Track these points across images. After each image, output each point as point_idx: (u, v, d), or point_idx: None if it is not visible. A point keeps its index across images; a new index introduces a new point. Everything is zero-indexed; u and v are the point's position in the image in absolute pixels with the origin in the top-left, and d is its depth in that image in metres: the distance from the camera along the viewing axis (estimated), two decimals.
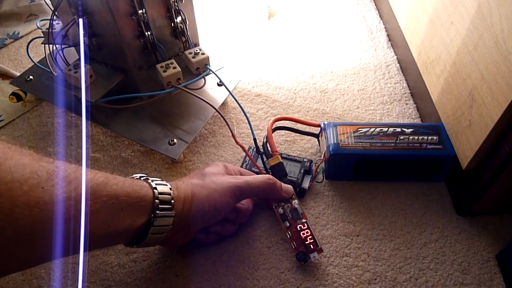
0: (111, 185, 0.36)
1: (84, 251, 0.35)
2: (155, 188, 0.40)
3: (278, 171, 0.52)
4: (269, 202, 0.50)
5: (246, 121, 0.62)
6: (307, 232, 0.46)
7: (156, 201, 0.39)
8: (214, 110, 0.58)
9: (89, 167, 0.37)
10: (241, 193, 0.44)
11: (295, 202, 0.49)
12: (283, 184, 0.49)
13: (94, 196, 0.35)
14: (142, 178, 0.42)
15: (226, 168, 0.48)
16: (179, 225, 0.41)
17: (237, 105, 0.64)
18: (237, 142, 0.54)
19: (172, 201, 0.40)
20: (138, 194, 0.38)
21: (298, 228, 0.47)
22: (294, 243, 0.46)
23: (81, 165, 0.36)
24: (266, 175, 0.48)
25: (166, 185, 0.41)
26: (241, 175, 0.49)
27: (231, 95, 0.57)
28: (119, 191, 0.37)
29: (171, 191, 0.41)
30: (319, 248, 0.46)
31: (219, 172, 0.46)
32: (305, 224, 0.47)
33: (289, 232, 0.47)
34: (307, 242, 0.46)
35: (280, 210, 0.48)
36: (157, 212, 0.39)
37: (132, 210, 0.37)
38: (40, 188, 0.31)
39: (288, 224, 0.47)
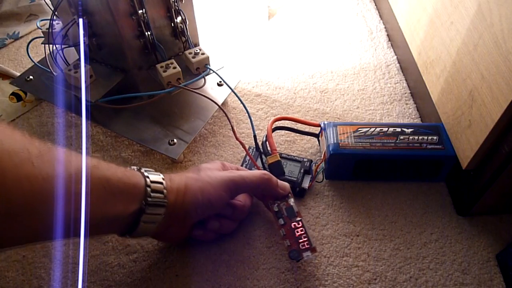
0: (103, 170, 0.37)
1: (74, 236, 0.35)
2: (147, 177, 0.40)
3: (276, 169, 0.52)
4: (265, 199, 0.49)
5: (246, 121, 0.62)
6: (301, 231, 0.46)
7: (148, 189, 0.39)
8: (214, 110, 0.58)
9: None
10: (235, 187, 0.44)
11: (291, 200, 0.48)
12: (279, 181, 0.48)
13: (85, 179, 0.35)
14: (135, 169, 0.42)
15: (223, 165, 0.48)
16: (172, 217, 0.41)
17: (237, 105, 0.64)
18: (237, 138, 0.54)
19: (165, 190, 0.40)
20: (130, 181, 0.38)
21: (293, 226, 0.46)
22: (288, 241, 0.46)
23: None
24: (262, 170, 0.48)
25: (159, 175, 0.41)
26: None
27: (232, 91, 0.57)
28: (110, 176, 0.37)
29: (164, 181, 0.41)
30: (313, 247, 0.45)
31: (215, 168, 0.46)
32: (300, 223, 0.46)
33: (283, 230, 0.46)
34: (300, 241, 0.45)
35: (276, 208, 0.48)
36: (149, 199, 0.39)
37: (124, 196, 0.38)
38: (30, 163, 0.32)
39: (282, 222, 0.47)
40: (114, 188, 0.37)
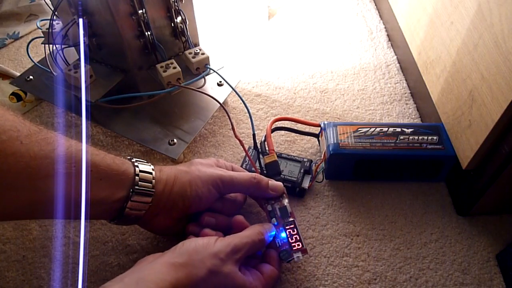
0: (92, 154, 0.38)
1: (64, 217, 0.36)
2: (137, 166, 0.41)
3: (272, 169, 0.51)
4: (257, 199, 0.49)
5: (246, 121, 0.62)
6: (293, 231, 0.45)
7: (136, 177, 0.40)
8: (214, 110, 0.58)
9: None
10: (223, 185, 0.44)
11: (286, 200, 0.47)
12: (272, 182, 0.47)
13: (73, 160, 0.36)
14: (127, 158, 0.43)
15: (217, 162, 0.48)
16: (159, 206, 0.42)
17: (237, 105, 0.64)
18: (236, 136, 0.53)
19: (153, 180, 0.41)
20: (119, 168, 0.39)
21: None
22: (279, 241, 0.45)
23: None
24: (252, 173, 0.47)
25: (149, 165, 0.42)
26: (233, 171, 0.49)
27: (234, 90, 0.57)
28: (99, 161, 0.38)
29: (153, 172, 0.42)
30: (304, 248, 0.44)
31: (208, 164, 0.47)
32: (292, 223, 0.46)
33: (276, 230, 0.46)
34: (292, 241, 0.45)
35: (269, 208, 0.47)
36: (136, 188, 0.40)
37: (111, 182, 0.39)
38: (18, 141, 0.32)
39: (275, 222, 0.46)
40: (102, 173, 0.38)
